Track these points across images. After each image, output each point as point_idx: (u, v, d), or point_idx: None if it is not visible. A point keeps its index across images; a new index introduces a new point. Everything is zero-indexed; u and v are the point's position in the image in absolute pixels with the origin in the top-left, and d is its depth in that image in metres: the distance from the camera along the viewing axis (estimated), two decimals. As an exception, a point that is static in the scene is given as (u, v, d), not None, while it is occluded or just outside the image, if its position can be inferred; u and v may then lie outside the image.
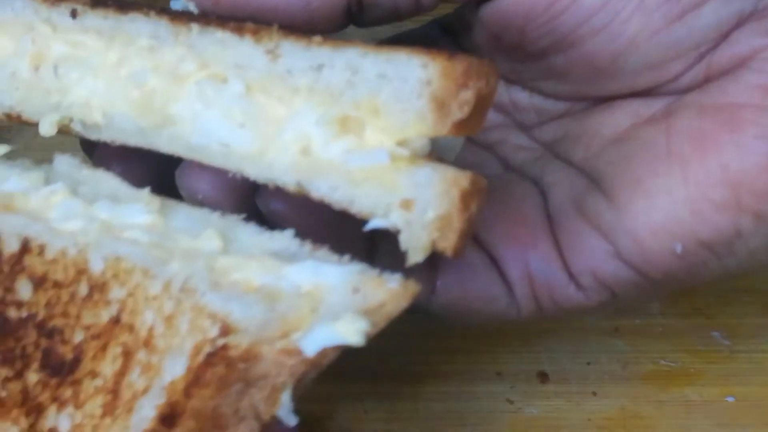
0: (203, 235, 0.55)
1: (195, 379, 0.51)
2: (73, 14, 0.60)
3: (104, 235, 0.55)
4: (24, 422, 0.57)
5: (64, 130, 0.62)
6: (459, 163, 0.55)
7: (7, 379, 0.57)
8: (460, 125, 0.52)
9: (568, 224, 0.64)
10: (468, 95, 0.51)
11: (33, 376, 0.56)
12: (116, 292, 0.54)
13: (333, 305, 0.51)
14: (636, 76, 0.63)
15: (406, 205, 0.53)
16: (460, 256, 0.53)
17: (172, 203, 0.58)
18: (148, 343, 0.53)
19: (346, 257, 0.53)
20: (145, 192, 0.58)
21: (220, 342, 0.50)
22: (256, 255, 0.54)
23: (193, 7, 0.60)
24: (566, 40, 0.61)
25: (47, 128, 0.61)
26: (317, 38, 0.54)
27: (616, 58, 0.61)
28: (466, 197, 0.52)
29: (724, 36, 0.60)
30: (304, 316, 0.50)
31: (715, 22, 0.60)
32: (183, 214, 0.58)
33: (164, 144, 0.59)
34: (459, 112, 0.52)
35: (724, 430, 0.75)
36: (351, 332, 0.49)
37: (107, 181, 0.60)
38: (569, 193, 0.65)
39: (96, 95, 0.60)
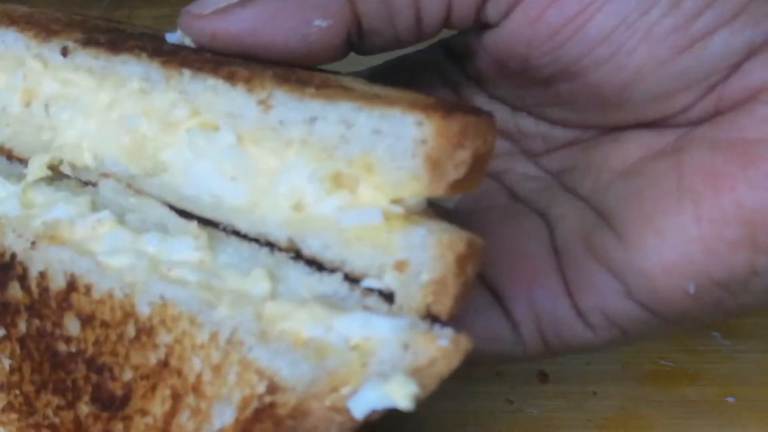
0: (251, 275, 0.54)
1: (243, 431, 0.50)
2: (64, 52, 0.59)
3: (151, 273, 0.55)
4: None
5: (54, 171, 0.61)
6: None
7: (59, 408, 0.58)
8: (456, 185, 0.51)
9: (575, 260, 0.62)
10: (464, 155, 0.50)
11: (84, 408, 0.57)
12: (163, 337, 0.54)
13: (383, 361, 0.49)
14: (644, 107, 0.61)
15: (400, 266, 0.52)
16: (454, 318, 0.52)
17: (220, 236, 0.57)
18: (196, 389, 0.53)
19: (397, 306, 0.51)
20: (194, 225, 0.57)
21: (268, 399, 0.50)
22: (304, 299, 0.53)
23: (189, 42, 0.60)
24: (571, 70, 0.59)
25: (37, 170, 0.61)
26: (310, 89, 0.53)
27: (622, 89, 0.60)
28: (462, 261, 0.51)
29: (735, 67, 0.58)
30: (353, 370, 0.49)
31: (726, 52, 0.58)
32: (232, 248, 0.57)
33: (156, 191, 0.58)
34: (455, 172, 0.51)
35: (724, 430, 0.76)
36: (400, 395, 0.48)
37: (155, 209, 0.59)
38: (577, 227, 0.64)
39: (87, 137, 0.60)
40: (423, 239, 0.51)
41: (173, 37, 0.61)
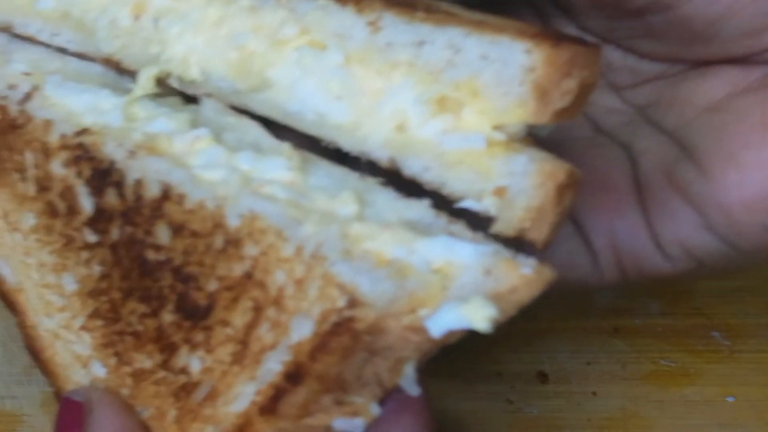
0: (340, 197, 0.55)
1: (320, 345, 0.51)
2: None
3: (243, 188, 0.56)
4: (157, 357, 0.59)
5: (161, 84, 0.63)
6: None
7: (144, 315, 0.59)
8: (561, 113, 0.52)
9: (657, 193, 0.63)
10: (571, 84, 0.51)
11: (168, 316, 0.58)
12: (250, 249, 0.55)
13: (463, 285, 0.50)
14: (733, 42, 0.61)
15: (500, 192, 0.53)
16: (548, 247, 0.53)
17: (313, 159, 0.58)
18: (278, 302, 0.54)
19: (481, 234, 0.52)
20: (287, 145, 0.58)
21: (347, 314, 0.50)
22: (390, 223, 0.54)
23: None
24: (663, 1, 0.60)
25: (145, 82, 0.62)
26: (420, 13, 0.54)
27: (712, 23, 0.60)
28: (561, 190, 0.52)
29: None
30: (433, 293, 0.50)
31: None
32: (323, 171, 0.58)
33: (259, 107, 0.60)
34: (561, 101, 0.51)
35: (725, 431, 0.76)
36: (479, 318, 0.49)
37: (251, 129, 0.60)
38: (660, 161, 0.64)
39: (195, 52, 0.61)
40: (524, 167, 0.52)
41: None
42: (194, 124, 0.61)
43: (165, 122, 0.61)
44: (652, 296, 0.84)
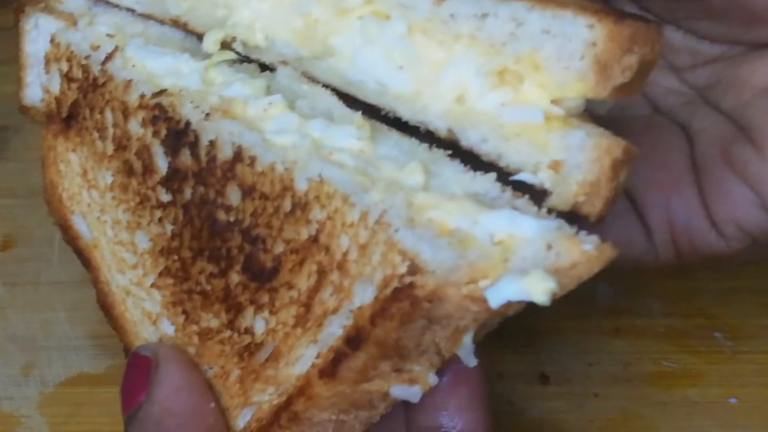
0: (407, 167, 0.57)
1: (381, 310, 0.53)
2: None
3: (313, 154, 0.58)
4: (224, 317, 0.62)
5: (225, 48, 0.65)
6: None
7: (212, 275, 0.62)
8: (620, 89, 0.52)
9: (713, 172, 0.64)
10: (632, 60, 0.52)
11: (235, 277, 0.61)
12: (316, 213, 0.56)
13: (524, 258, 0.51)
14: None
15: (556, 166, 0.54)
16: (602, 222, 0.54)
17: (383, 129, 0.60)
18: (341, 266, 0.55)
19: (544, 210, 0.54)
20: (358, 115, 0.60)
21: (408, 280, 0.51)
22: (455, 194, 0.55)
23: None
24: None
25: (211, 45, 0.65)
26: None
27: None
28: (616, 166, 0.53)
29: None
30: (494, 264, 0.51)
31: None
32: (391, 141, 0.59)
33: (322, 74, 0.61)
34: (621, 76, 0.52)
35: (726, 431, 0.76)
36: (538, 290, 0.50)
37: (324, 98, 0.62)
38: (717, 141, 0.65)
39: (260, 18, 0.63)
40: (581, 141, 0.53)
41: None
42: (269, 91, 0.63)
43: (241, 87, 0.63)
44: (654, 296, 0.84)
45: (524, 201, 0.54)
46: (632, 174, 0.55)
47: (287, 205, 0.57)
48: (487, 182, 0.56)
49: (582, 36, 0.52)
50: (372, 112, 0.60)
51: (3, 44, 0.88)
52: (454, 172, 0.57)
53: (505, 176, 0.56)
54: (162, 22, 0.68)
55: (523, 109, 0.55)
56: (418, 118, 0.58)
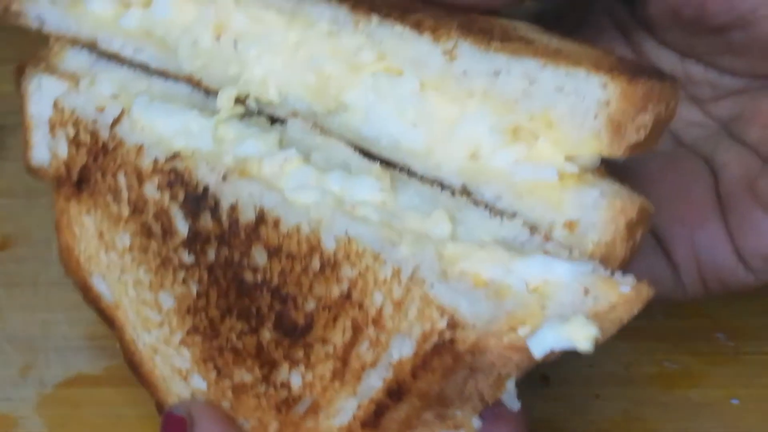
0: (432, 216, 0.58)
1: (422, 364, 0.54)
2: None
3: (336, 210, 0.59)
4: (258, 372, 0.63)
5: (240, 103, 0.66)
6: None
7: (242, 332, 0.63)
8: (635, 147, 0.54)
9: (739, 205, 0.65)
10: (646, 119, 0.53)
11: (267, 334, 0.62)
12: (347, 272, 0.57)
13: (562, 304, 0.52)
14: None
15: (571, 226, 0.55)
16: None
17: (402, 178, 0.61)
18: (377, 322, 0.56)
19: (577, 252, 0.55)
20: (376, 166, 0.61)
21: (448, 335, 0.53)
22: (485, 242, 0.56)
23: None
24: (746, 18, 0.61)
25: (225, 102, 0.65)
26: (495, 43, 0.56)
27: None
28: (632, 226, 0.55)
29: None
30: (532, 312, 0.52)
31: None
32: (413, 190, 0.60)
33: (335, 129, 0.63)
34: (635, 135, 0.53)
35: None
36: (580, 337, 0.50)
37: (339, 149, 0.63)
38: (742, 173, 0.66)
39: (273, 74, 0.64)
40: (595, 201, 0.55)
41: None
42: (282, 145, 0.64)
43: (254, 144, 0.63)
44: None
45: (555, 244, 0.55)
46: (652, 223, 0.56)
47: (316, 264, 0.58)
48: (514, 227, 0.57)
49: (595, 95, 0.53)
50: (390, 163, 0.62)
51: (2, 44, 0.90)
52: (479, 218, 0.58)
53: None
54: (168, 77, 0.69)
55: (537, 167, 0.56)
56: (432, 174, 0.59)
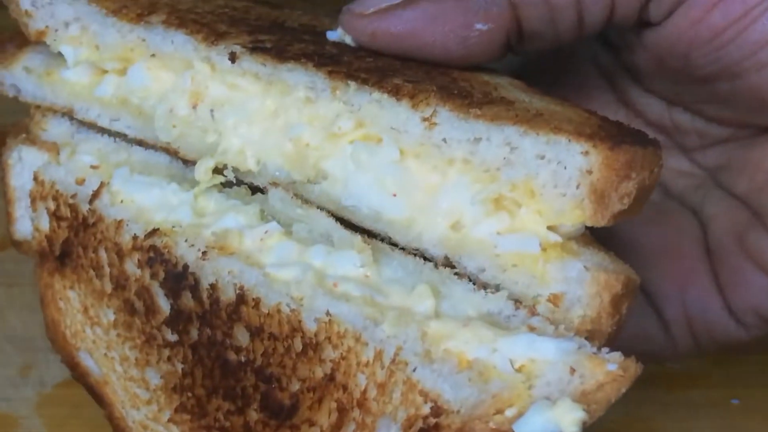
0: (415, 291, 0.57)
1: None
2: (232, 58, 0.63)
3: (317, 287, 0.58)
4: None
5: (218, 174, 0.65)
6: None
7: (230, 412, 0.62)
8: (619, 215, 0.53)
9: (729, 260, 0.65)
10: (630, 187, 0.52)
11: (254, 414, 0.61)
12: (329, 353, 0.57)
13: (549, 383, 0.51)
14: None
15: (555, 299, 0.54)
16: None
17: (384, 249, 0.60)
18: (362, 404, 0.56)
19: (562, 328, 0.54)
20: (358, 238, 0.60)
21: (432, 421, 0.52)
22: (469, 317, 0.55)
23: (349, 40, 0.63)
24: (731, 71, 0.60)
25: (202, 174, 0.65)
26: (474, 110, 0.55)
27: None
28: (617, 300, 0.54)
29: None
30: (518, 393, 0.51)
31: None
32: (396, 263, 0.60)
33: (315, 199, 0.62)
34: (619, 203, 0.53)
35: None
36: (568, 421, 0.50)
37: (321, 220, 0.62)
38: (731, 226, 0.65)
39: (251, 143, 0.63)
40: (580, 274, 0.54)
41: (334, 35, 0.64)
42: (263, 216, 0.63)
43: (234, 217, 0.63)
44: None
45: (540, 319, 0.55)
46: (642, 279, 0.56)
47: (298, 345, 0.58)
48: (499, 301, 0.56)
49: (577, 163, 0.53)
50: (372, 232, 0.61)
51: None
52: (463, 292, 0.57)
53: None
54: (147, 147, 0.68)
55: (519, 238, 0.55)
56: (413, 245, 0.59)
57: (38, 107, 0.72)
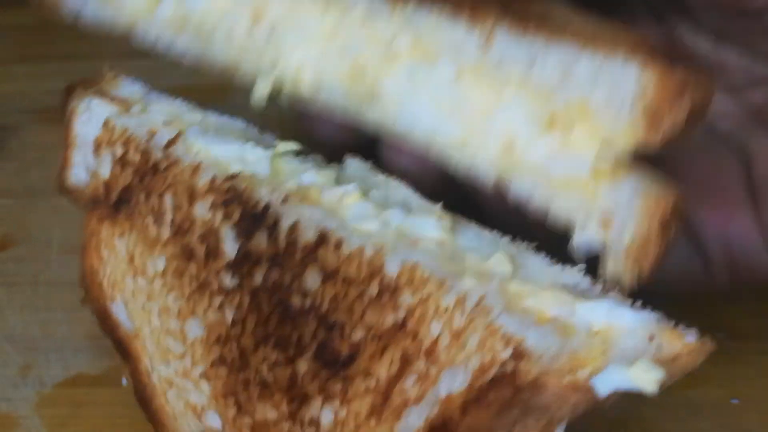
0: (493, 258, 0.58)
1: (476, 398, 0.52)
2: None
3: (400, 240, 0.59)
4: (284, 407, 0.61)
5: (274, 94, 0.67)
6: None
7: (276, 363, 0.61)
8: (671, 136, 0.53)
9: None
10: (683, 109, 0.52)
11: (303, 365, 0.60)
12: (406, 298, 0.56)
13: (627, 349, 0.51)
14: None
15: (605, 222, 0.54)
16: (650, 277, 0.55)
17: (462, 221, 0.61)
18: (430, 353, 0.55)
19: (638, 303, 0.54)
20: (437, 207, 0.61)
21: (511, 366, 0.51)
22: (546, 285, 0.56)
23: None
24: None
25: (261, 91, 0.66)
26: (532, 30, 0.56)
27: None
28: (666, 222, 0.54)
29: None
30: (594, 355, 0.51)
31: None
32: (473, 233, 0.60)
33: (370, 119, 0.63)
34: (671, 124, 0.52)
35: None
36: (646, 379, 0.50)
37: (399, 189, 0.63)
38: None
39: (308, 63, 0.65)
40: (630, 197, 0.54)
41: None
42: (339, 182, 0.64)
43: (313, 176, 0.64)
44: (655, 296, 0.84)
45: (616, 294, 0.55)
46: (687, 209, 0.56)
47: (374, 289, 0.57)
48: (576, 275, 0.57)
49: (632, 83, 0.53)
50: (450, 206, 0.62)
51: (2, 44, 0.92)
52: (540, 265, 0.58)
53: (593, 269, 0.57)
54: (222, 113, 0.70)
55: (571, 160, 0.56)
56: (466, 166, 0.59)
57: (110, 68, 0.73)
